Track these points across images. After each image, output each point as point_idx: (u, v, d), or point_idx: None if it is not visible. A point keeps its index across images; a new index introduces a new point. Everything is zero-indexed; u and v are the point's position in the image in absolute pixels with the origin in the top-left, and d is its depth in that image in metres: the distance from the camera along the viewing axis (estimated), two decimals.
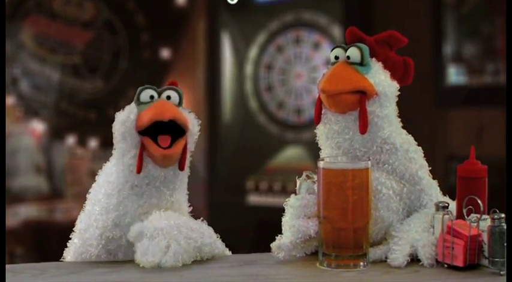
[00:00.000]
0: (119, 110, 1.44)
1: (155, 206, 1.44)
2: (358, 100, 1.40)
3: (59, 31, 4.40)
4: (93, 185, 1.49)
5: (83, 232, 1.46)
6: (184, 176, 1.48)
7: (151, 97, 1.42)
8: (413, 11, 3.89)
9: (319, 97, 1.44)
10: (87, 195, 1.49)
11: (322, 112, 1.45)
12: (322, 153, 1.48)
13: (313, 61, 4.13)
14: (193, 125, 1.45)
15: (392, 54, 1.45)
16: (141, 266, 1.37)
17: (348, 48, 1.43)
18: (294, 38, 4.18)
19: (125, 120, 1.41)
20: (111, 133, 1.44)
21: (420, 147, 1.48)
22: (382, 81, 1.41)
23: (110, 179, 1.45)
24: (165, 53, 4.55)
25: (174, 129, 1.41)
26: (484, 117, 3.68)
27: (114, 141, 1.44)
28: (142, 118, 1.40)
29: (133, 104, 1.43)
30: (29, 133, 4.42)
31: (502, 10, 3.56)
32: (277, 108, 4.25)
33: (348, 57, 1.42)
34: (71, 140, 4.42)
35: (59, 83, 4.39)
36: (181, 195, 1.49)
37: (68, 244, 1.51)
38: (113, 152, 1.45)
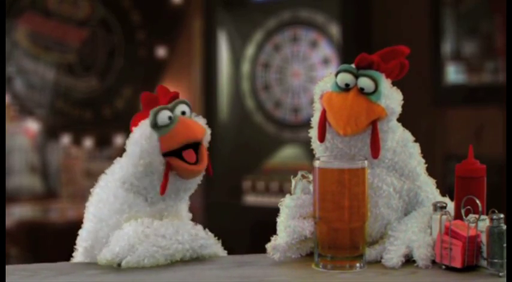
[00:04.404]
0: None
1: (162, 211, 1.44)
2: (370, 125, 1.38)
3: (54, 29, 4.40)
4: (95, 189, 1.47)
5: (92, 235, 1.45)
6: (193, 185, 1.48)
7: (170, 118, 1.40)
8: (412, 9, 3.88)
9: (322, 114, 1.40)
10: (90, 197, 1.47)
11: (327, 131, 1.41)
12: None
13: (310, 59, 4.12)
14: (206, 130, 1.46)
15: (393, 62, 1.42)
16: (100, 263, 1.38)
17: (359, 75, 1.38)
18: (291, 36, 4.17)
19: (147, 148, 1.38)
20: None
21: (418, 144, 1.47)
22: (392, 101, 1.38)
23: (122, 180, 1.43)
24: (161, 52, 4.54)
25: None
26: (483, 116, 3.67)
27: (128, 156, 1.41)
28: (171, 141, 1.39)
29: (148, 128, 1.39)
30: (23, 132, 4.42)
31: (501, 8, 3.54)
32: (274, 107, 4.24)
33: (362, 89, 1.38)
34: (65, 139, 4.41)
35: (54, 81, 4.39)
36: (184, 204, 1.50)
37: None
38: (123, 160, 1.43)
